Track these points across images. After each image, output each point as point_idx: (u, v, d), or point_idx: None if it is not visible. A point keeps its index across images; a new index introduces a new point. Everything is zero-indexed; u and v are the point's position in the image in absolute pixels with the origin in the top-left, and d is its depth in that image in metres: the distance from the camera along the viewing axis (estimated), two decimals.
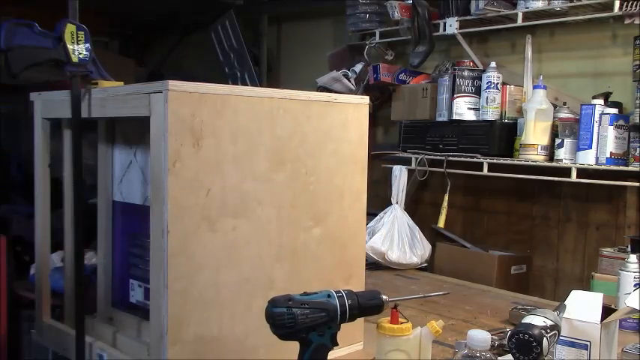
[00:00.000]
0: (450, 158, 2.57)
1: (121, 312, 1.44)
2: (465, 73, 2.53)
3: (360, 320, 1.27)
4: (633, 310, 1.29)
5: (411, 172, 2.71)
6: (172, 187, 1.15)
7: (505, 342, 1.25)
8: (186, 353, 1.18)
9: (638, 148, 2.10)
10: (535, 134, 2.30)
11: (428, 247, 2.54)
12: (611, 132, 2.12)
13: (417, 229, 2.55)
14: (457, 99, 2.54)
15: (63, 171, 1.52)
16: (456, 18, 2.59)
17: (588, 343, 1.20)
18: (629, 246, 2.04)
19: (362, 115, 1.49)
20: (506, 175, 2.44)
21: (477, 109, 2.53)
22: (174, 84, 1.14)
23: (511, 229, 2.70)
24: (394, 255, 2.43)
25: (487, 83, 2.47)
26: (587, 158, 2.17)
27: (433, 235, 2.79)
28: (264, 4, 3.70)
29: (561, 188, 2.48)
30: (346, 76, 2.88)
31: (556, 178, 2.31)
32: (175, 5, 3.69)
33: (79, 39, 1.37)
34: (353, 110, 1.47)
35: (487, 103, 2.47)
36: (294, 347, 1.06)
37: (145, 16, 4.01)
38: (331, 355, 1.08)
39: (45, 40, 1.36)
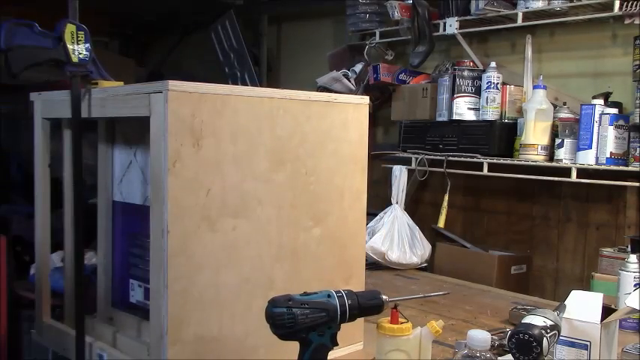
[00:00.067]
0: (450, 158, 2.57)
1: (121, 312, 1.44)
2: (465, 73, 2.53)
3: (360, 320, 1.27)
4: (633, 310, 1.29)
5: (411, 172, 2.71)
6: (172, 187, 1.15)
7: (505, 342, 1.25)
8: (186, 353, 1.18)
9: (638, 148, 2.10)
10: (535, 134, 2.30)
11: (428, 247, 2.54)
12: (611, 132, 2.12)
13: (417, 229, 2.55)
14: (457, 99, 2.54)
15: (63, 171, 1.52)
16: (456, 18, 2.59)
17: (588, 343, 1.20)
18: (629, 246, 2.04)
19: (362, 115, 1.49)
20: (506, 175, 2.44)
21: (477, 109, 2.53)
22: (174, 84, 1.14)
23: (511, 229, 2.70)
24: (394, 255, 2.43)
25: (487, 83, 2.47)
26: (587, 158, 2.17)
27: (433, 235, 2.79)
28: (264, 4, 3.69)
29: (561, 188, 2.48)
30: (346, 76, 2.88)
31: (556, 178, 2.31)
32: (175, 5, 3.69)
33: (79, 39, 1.37)
34: (353, 110, 1.47)
35: (487, 103, 2.47)
36: (294, 347, 1.06)
37: (145, 16, 4.01)
38: (331, 355, 1.08)
39: (45, 40, 1.36)
